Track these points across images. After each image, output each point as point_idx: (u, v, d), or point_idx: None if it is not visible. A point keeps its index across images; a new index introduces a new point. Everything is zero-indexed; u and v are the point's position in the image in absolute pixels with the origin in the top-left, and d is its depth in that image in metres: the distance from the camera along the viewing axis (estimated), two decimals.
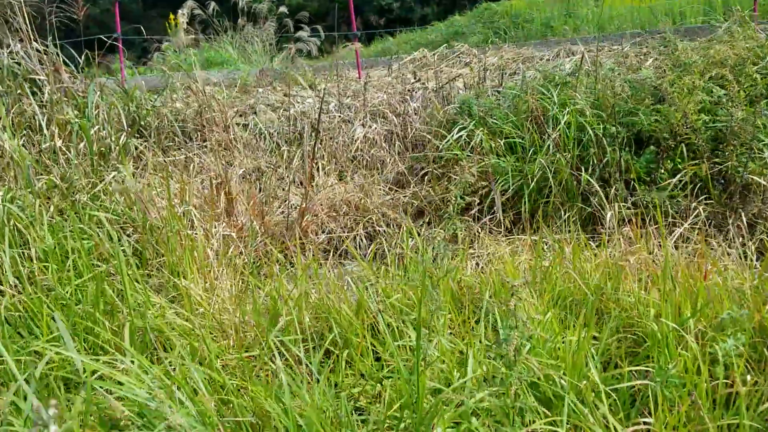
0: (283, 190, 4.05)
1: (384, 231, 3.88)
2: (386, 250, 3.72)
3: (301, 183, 4.12)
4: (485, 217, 3.71)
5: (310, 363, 2.08)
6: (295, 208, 3.87)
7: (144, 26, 5.62)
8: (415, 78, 5.65)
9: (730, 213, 3.39)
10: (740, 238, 3.30)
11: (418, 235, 3.80)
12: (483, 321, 2.38)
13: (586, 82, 4.35)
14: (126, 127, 3.69)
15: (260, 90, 5.35)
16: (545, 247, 3.27)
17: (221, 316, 2.52)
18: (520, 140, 3.94)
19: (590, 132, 3.86)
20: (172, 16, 8.89)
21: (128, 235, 2.99)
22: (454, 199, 2.00)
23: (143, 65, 8.66)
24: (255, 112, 4.93)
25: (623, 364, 2.00)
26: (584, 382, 1.92)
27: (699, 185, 3.64)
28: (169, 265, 2.71)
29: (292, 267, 3.38)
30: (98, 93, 3.71)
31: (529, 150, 3.87)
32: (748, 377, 1.84)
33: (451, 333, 2.50)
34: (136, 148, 3.91)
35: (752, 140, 3.31)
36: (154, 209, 2.93)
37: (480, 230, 3.71)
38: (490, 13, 14.81)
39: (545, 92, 4.17)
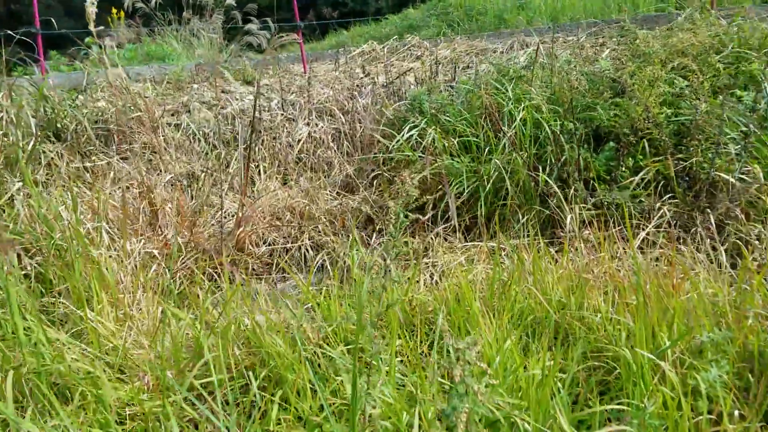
0: (220, 197, 3.69)
1: (331, 240, 3.57)
2: (333, 262, 3.41)
3: (240, 189, 3.76)
4: (439, 222, 3.44)
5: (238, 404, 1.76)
6: (232, 217, 3.52)
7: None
8: (363, 72, 5.34)
9: (697, 213, 3.20)
10: (709, 240, 3.11)
11: (368, 244, 3.51)
12: (437, 345, 2.11)
13: (541, 75, 4.12)
14: (35, 131, 3.27)
15: (195, 86, 4.95)
16: (504, 254, 3.01)
17: (134, 353, 2.17)
18: (475, 139, 3.68)
19: (547, 129, 3.63)
20: (114, 10, 8.33)
21: (31, 257, 2.60)
22: (394, 217, 1.70)
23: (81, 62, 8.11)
24: (189, 111, 4.54)
25: (594, 401, 1.75)
26: (550, 422, 1.66)
27: (663, 183, 3.45)
28: (75, 293, 2.34)
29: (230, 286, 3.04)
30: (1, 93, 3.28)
31: (485, 149, 3.61)
32: (736, 412, 1.61)
33: (401, 361, 2.21)
34: (57, 154, 3.49)
35: (720, 134, 3.12)
36: (60, 226, 2.55)
37: (434, 237, 3.44)
38: (444, 6, 14.68)
39: (500, 87, 3.92)
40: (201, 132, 4.32)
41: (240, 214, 3.34)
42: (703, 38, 3.39)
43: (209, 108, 4.52)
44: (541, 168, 3.55)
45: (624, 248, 2.90)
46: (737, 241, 2.85)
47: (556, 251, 3.20)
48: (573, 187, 3.46)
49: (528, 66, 4.42)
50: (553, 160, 3.61)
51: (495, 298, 2.42)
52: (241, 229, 3.38)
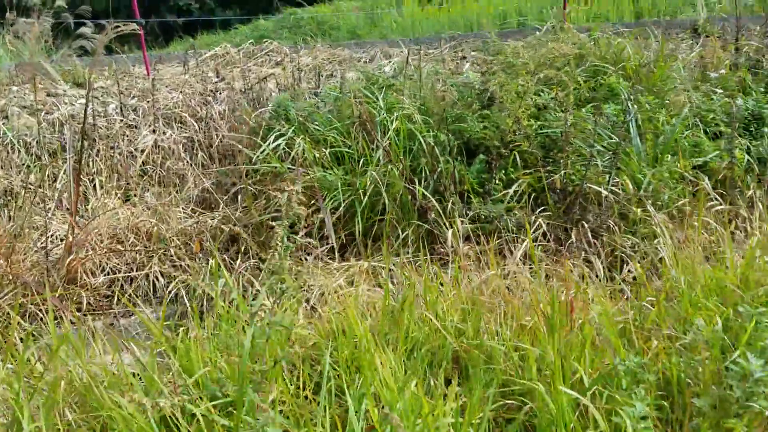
0: (44, 218, 3.06)
1: (187, 266, 3.09)
2: (190, 292, 2.95)
3: (69, 208, 3.15)
4: (315, 239, 3.11)
5: None
6: (61, 241, 2.92)
7: None
8: (218, 77, 4.87)
9: (571, 225, 3.19)
10: (583, 252, 3.11)
11: (231, 269, 3.08)
12: (325, 388, 1.78)
13: (409, 85, 3.97)
14: None
15: (15, 89, 4.17)
16: (386, 272, 2.76)
17: None
18: (348, 150, 3.41)
19: (421, 140, 3.46)
20: None
21: None
22: (279, 242, 1.36)
23: None
24: (6, 117, 3.79)
25: None
26: None
27: (534, 196, 3.43)
28: None
29: (59, 327, 2.46)
30: None
31: (359, 161, 3.35)
32: None
33: (281, 411, 1.85)
34: None
35: (592, 147, 3.13)
36: None
37: (307, 257, 3.11)
38: (296, 19, 14.51)
39: (370, 96, 3.69)
40: (21, 141, 3.60)
41: (70, 238, 2.76)
42: (569, 49, 3.43)
43: (32, 113, 3.80)
44: (416, 181, 3.37)
45: (511, 264, 2.78)
46: (622, 254, 2.86)
47: (441, 266, 3.02)
48: (450, 201, 3.31)
49: (395, 75, 4.26)
50: (428, 173, 3.44)
51: (386, 326, 2.14)
52: (72, 255, 2.80)
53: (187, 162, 3.75)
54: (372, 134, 3.38)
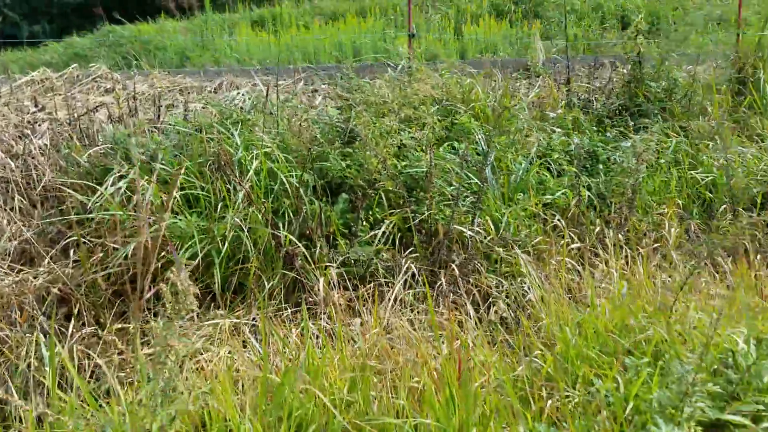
0: None
1: (6, 336, 2.56)
2: (10, 369, 2.44)
3: None
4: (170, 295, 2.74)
5: None
6: None
7: None
8: (36, 106, 4.23)
9: (438, 267, 3.17)
10: (452, 294, 3.10)
11: (61, 336, 2.61)
12: None
13: (263, 120, 3.74)
14: None
15: None
16: (263, 337, 2.50)
17: None
18: (203, 192, 3.08)
19: (284, 180, 3.25)
20: None
21: None
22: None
23: None
24: None
25: None
26: None
27: (401, 237, 3.37)
28: None
29: None
30: None
31: (216, 204, 3.05)
32: None
33: None
34: None
35: (459, 187, 3.15)
36: None
37: (153, 318, 2.73)
38: (116, 36, 13.48)
39: (225, 131, 3.41)
40: None
41: None
42: (433, 91, 3.45)
43: None
44: (280, 224, 3.14)
45: (385, 312, 2.67)
46: (488, 295, 2.87)
47: (312, 317, 2.82)
48: (318, 245, 3.13)
49: (250, 110, 4.00)
50: (292, 215, 3.24)
51: (264, 404, 1.89)
52: None
53: (1, 208, 3.16)
54: (231, 175, 3.10)
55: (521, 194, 3.57)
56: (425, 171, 3.33)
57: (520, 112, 4.09)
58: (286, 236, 3.03)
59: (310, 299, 2.98)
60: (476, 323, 2.75)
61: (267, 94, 3.60)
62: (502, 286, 3.01)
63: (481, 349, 2.28)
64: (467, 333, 2.49)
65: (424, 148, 3.57)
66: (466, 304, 2.88)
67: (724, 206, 3.74)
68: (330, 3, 15.62)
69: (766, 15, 5.08)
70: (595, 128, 4.33)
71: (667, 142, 4.21)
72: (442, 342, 2.29)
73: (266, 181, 3.24)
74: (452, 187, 3.42)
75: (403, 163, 3.41)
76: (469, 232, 3.13)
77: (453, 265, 3.05)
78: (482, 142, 3.60)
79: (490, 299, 2.92)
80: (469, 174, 3.45)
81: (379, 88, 3.49)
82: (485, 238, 3.20)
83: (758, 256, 3.02)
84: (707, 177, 3.92)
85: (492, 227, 3.24)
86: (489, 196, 3.44)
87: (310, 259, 3.05)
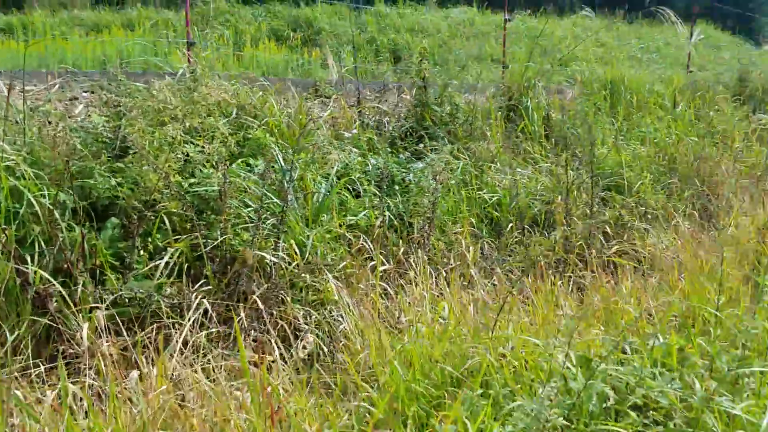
0: None
1: None
2: None
3: None
4: None
5: None
6: None
7: None
8: None
9: (237, 300, 2.74)
10: (253, 331, 2.69)
11: None
12: None
13: (4, 127, 2.96)
14: None
15: None
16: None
17: None
18: None
19: (32, 201, 2.56)
20: None
21: None
22: None
23: None
24: None
25: None
26: None
27: (188, 267, 2.87)
28: None
29: None
30: None
31: None
32: None
33: None
34: None
35: (260, 209, 2.77)
36: None
37: None
38: None
39: None
40: None
41: None
42: (219, 95, 3.02)
43: None
44: (28, 257, 2.44)
45: (171, 361, 2.18)
46: (296, 328, 2.53)
47: (73, 374, 2.20)
48: (81, 282, 2.50)
49: None
50: (44, 245, 2.55)
51: None
52: None
53: None
54: None
55: (325, 215, 3.32)
56: (218, 190, 2.90)
57: (318, 128, 3.87)
58: (35, 272, 2.36)
59: (71, 350, 2.34)
60: (286, 362, 2.40)
61: (8, 97, 2.85)
62: (311, 317, 2.71)
63: (298, 398, 1.93)
64: (278, 375, 2.13)
65: (215, 163, 3.13)
66: (271, 341, 2.51)
67: (510, 224, 3.92)
68: (91, 14, 14.11)
69: (529, 50, 5.63)
70: (388, 149, 4.29)
71: (455, 163, 4.33)
72: (247, 392, 1.90)
73: (8, 202, 2.51)
74: (249, 209, 3.03)
75: (191, 181, 2.93)
76: (273, 258, 2.76)
77: (254, 297, 2.65)
78: (280, 159, 3.28)
79: (302, 333, 2.59)
80: (269, 194, 3.10)
81: (159, 90, 2.96)
82: (290, 264, 2.87)
83: (550, 271, 3.16)
84: (494, 197, 4.09)
85: (297, 251, 2.92)
86: (291, 218, 3.13)
87: (69, 300, 2.41)
